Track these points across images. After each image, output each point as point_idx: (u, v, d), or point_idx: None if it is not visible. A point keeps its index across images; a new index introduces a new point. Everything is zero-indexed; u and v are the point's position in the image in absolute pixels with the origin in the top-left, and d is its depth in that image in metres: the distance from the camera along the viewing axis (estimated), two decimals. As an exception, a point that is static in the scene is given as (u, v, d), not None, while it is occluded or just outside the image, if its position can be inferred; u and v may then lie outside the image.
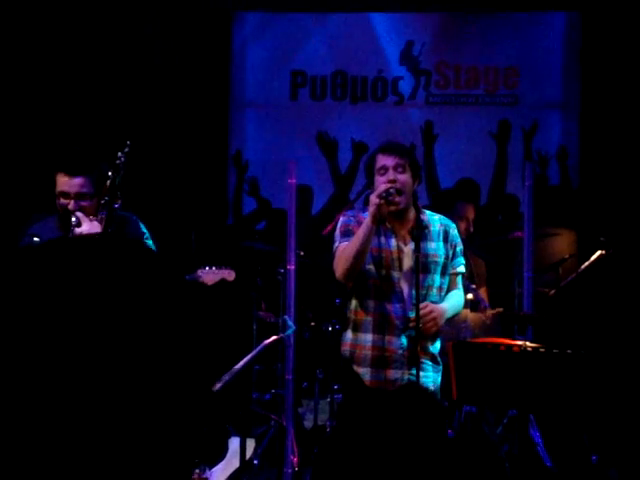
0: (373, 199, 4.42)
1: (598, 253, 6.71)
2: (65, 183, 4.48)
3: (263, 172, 8.53)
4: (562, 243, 7.76)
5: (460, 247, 4.73)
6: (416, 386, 4.43)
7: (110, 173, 4.41)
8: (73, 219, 4.39)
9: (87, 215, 4.42)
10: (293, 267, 5.81)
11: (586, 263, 6.74)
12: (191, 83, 8.16)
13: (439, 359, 4.66)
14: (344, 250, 4.53)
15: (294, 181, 5.84)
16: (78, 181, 4.48)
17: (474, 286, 6.61)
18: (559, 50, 8.45)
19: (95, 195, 4.49)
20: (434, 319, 4.47)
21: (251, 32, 8.61)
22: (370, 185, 4.67)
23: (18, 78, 7.60)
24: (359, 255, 4.46)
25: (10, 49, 7.57)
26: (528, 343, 4.52)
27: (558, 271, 6.81)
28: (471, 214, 7.07)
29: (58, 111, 7.71)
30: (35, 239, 4.68)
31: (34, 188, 6.77)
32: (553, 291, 6.72)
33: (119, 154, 4.41)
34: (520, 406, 4.93)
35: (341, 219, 4.69)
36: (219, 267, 5.81)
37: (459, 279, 4.74)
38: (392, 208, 4.51)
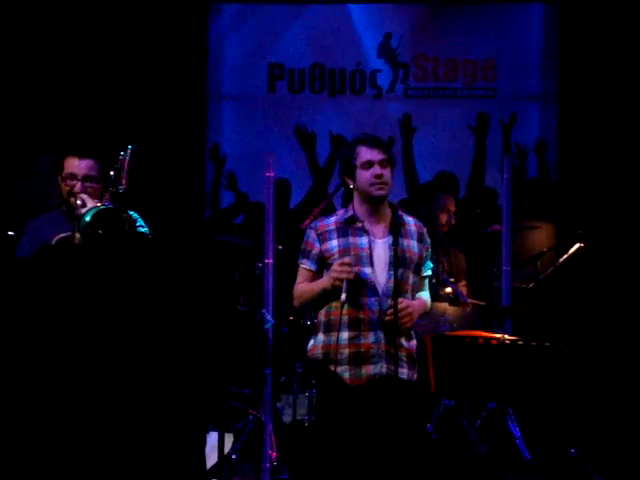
0: (333, 275, 4.43)
1: (577, 246, 6.72)
2: (74, 165, 4.63)
3: (241, 166, 8.48)
4: (541, 236, 7.77)
5: (430, 250, 4.75)
6: (393, 378, 4.42)
7: (113, 172, 4.48)
8: (78, 201, 4.47)
9: (92, 198, 4.48)
10: (271, 261, 5.79)
11: (565, 256, 6.74)
12: (167, 75, 8.10)
13: (414, 356, 4.65)
14: (300, 292, 4.66)
15: (272, 174, 5.81)
16: (86, 163, 4.63)
17: (452, 279, 6.60)
18: (537, 42, 8.44)
19: (101, 180, 4.62)
20: (410, 314, 4.47)
21: (228, 24, 8.55)
22: (348, 177, 4.64)
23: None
24: (312, 305, 4.65)
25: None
26: (506, 336, 4.51)
27: (537, 264, 6.81)
28: (452, 206, 7.07)
29: (32, 102, 7.67)
30: (10, 233, 4.70)
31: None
32: (532, 284, 6.72)
33: (122, 153, 4.50)
34: (499, 399, 4.92)
35: (306, 232, 4.70)
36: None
37: (426, 282, 4.77)
38: (379, 193, 4.51)
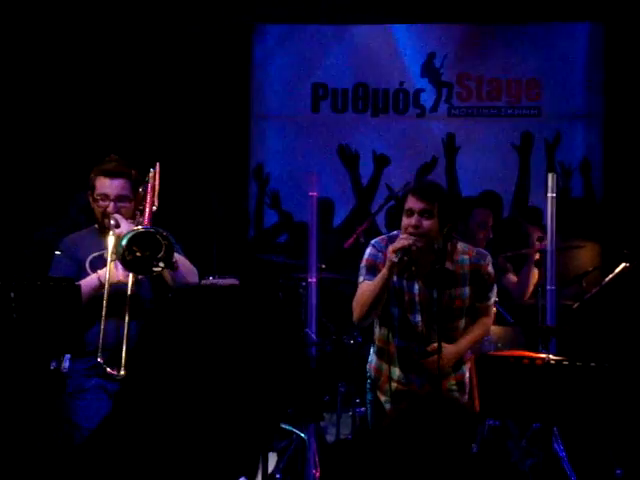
0: (390, 255, 4.39)
1: (622, 266, 6.66)
2: (106, 186, 4.61)
3: (284, 185, 8.51)
4: (586, 256, 7.70)
5: (493, 280, 4.69)
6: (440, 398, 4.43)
7: (142, 190, 4.60)
8: (112, 221, 4.51)
9: (125, 218, 4.52)
10: (315, 280, 5.80)
11: (610, 276, 6.68)
12: (212, 96, 8.16)
13: (465, 381, 4.68)
14: (362, 295, 4.56)
15: (315, 194, 5.83)
16: (118, 183, 4.61)
17: (497, 299, 6.56)
18: (582, 61, 8.41)
19: (132, 199, 4.64)
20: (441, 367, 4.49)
21: (272, 45, 8.61)
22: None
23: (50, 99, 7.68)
24: (374, 304, 4.50)
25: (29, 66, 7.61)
26: (551, 356, 4.49)
27: (582, 284, 6.76)
28: (489, 220, 6.99)
29: (70, 120, 7.77)
30: (57, 252, 4.73)
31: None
32: (577, 304, 6.67)
33: (150, 170, 4.62)
34: (544, 419, 4.88)
35: (369, 250, 4.63)
36: (222, 277, 5.82)
37: (491, 308, 4.76)
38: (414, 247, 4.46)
